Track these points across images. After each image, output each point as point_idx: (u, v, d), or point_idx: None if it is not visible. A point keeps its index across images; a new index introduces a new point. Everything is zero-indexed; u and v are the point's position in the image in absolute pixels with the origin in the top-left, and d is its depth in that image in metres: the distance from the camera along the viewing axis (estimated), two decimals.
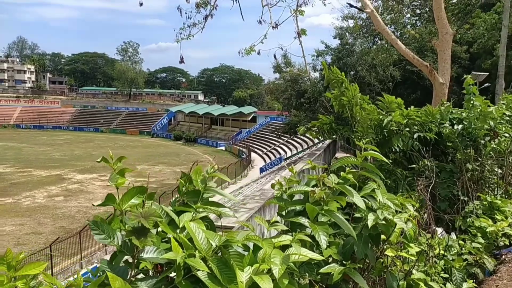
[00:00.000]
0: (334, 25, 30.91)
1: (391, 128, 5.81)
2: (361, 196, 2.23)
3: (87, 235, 22.80)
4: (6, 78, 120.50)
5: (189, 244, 1.58)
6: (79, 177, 42.42)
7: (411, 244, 2.62)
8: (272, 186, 2.54)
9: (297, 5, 10.28)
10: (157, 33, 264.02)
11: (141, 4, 11.22)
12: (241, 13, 10.73)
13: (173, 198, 2.05)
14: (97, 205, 1.86)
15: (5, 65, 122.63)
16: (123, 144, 72.06)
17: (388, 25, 23.80)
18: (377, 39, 30.99)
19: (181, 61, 11.73)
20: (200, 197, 1.90)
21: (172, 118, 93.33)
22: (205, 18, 10.77)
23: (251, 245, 1.73)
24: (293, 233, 1.92)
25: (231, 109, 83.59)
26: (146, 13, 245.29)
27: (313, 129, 8.03)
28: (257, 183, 32.40)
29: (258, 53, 10.65)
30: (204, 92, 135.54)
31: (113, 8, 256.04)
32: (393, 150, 5.89)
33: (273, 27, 10.34)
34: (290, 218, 2.17)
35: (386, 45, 27.38)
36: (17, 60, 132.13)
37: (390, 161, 5.59)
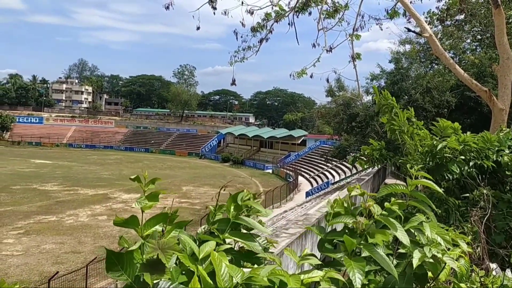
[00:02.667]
0: (391, 49, 30.38)
1: (445, 154, 5.53)
2: (408, 229, 1.99)
3: None
4: (64, 98, 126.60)
5: (207, 280, 1.41)
6: (124, 197, 42.62)
7: (462, 285, 2.34)
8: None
9: (353, 29, 10.40)
10: (214, 57, 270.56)
11: (198, 28, 11.43)
12: (297, 37, 10.97)
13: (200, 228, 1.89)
14: (115, 224, 1.65)
15: (64, 86, 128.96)
16: (171, 164, 72.87)
17: (447, 51, 22.93)
18: (434, 64, 30.01)
19: (233, 83, 12.01)
20: (229, 227, 1.77)
21: (222, 140, 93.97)
22: (260, 41, 11.09)
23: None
24: (328, 269, 1.75)
25: (280, 132, 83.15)
26: (205, 37, 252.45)
27: (362, 158, 7.77)
28: (302, 207, 31.50)
29: (311, 76, 10.85)
30: (256, 115, 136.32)
31: (173, 32, 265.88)
32: (446, 177, 5.61)
33: (327, 50, 10.54)
34: (326, 251, 1.97)
35: (443, 70, 26.46)
36: (76, 81, 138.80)
37: (442, 189, 5.16)
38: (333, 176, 52.46)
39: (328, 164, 56.17)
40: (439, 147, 5.50)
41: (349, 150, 32.28)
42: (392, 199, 2.13)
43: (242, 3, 10.62)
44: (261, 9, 10.82)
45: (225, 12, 10.58)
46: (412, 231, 2.06)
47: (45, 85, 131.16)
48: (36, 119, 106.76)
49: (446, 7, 17.87)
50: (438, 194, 4.91)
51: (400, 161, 6.46)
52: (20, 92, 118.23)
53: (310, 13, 11.26)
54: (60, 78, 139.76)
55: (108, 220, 33.82)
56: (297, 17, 10.95)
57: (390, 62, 30.41)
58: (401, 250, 2.09)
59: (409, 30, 12.61)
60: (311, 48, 10.62)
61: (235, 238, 1.74)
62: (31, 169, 58.88)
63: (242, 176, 62.37)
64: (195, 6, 11.18)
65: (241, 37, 11.00)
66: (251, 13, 10.81)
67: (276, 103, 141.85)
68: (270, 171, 68.60)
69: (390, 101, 6.24)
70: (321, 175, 56.61)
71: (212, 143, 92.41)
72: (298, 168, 63.24)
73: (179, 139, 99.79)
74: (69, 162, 69.86)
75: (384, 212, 2.02)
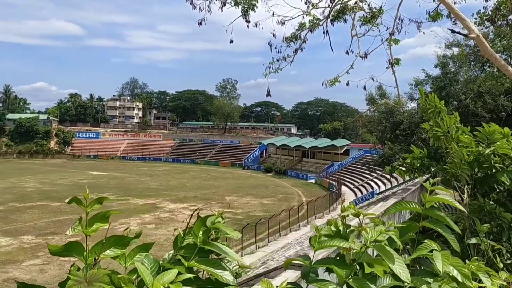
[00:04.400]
0: (436, 53, 28.93)
1: (493, 162, 4.79)
2: (416, 258, 1.70)
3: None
4: (117, 114, 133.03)
5: None
6: (171, 206, 44.38)
7: None
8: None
9: (391, 34, 9.88)
10: (256, 70, 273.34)
11: (231, 42, 11.38)
12: (331, 46, 10.57)
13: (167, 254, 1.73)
14: (51, 253, 1.48)
15: (117, 103, 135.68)
16: (214, 175, 74.28)
17: (500, 52, 22.19)
18: (486, 67, 28.73)
19: (268, 94, 11.88)
20: (195, 253, 1.60)
21: (264, 150, 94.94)
22: (295, 51, 10.89)
23: None
24: None
25: (323, 142, 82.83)
26: (246, 51, 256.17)
27: (402, 168, 8.04)
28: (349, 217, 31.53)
29: (347, 84, 10.37)
30: (298, 125, 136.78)
31: (217, 48, 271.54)
32: (497, 189, 5.37)
33: (361, 57, 10.04)
34: (313, 281, 1.66)
35: (497, 73, 25.24)
36: (128, 98, 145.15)
37: (492, 202, 4.51)
38: (378, 186, 51.13)
39: (373, 174, 55.11)
40: (486, 152, 4.69)
41: (393, 159, 31.25)
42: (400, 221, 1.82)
43: (273, 14, 10.45)
44: (292, 19, 10.53)
45: (256, 24, 10.45)
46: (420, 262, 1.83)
47: (101, 102, 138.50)
48: (93, 134, 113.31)
49: (495, 6, 16.47)
50: (489, 208, 4.13)
51: (443, 170, 5.68)
52: (79, 110, 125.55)
53: (346, 21, 10.71)
54: (114, 96, 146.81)
55: (155, 229, 35.55)
56: (333, 25, 10.59)
57: (436, 66, 29.07)
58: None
59: (453, 31, 11.49)
60: (349, 56, 10.02)
61: (202, 266, 1.56)
62: (88, 180, 62.01)
63: (284, 186, 62.60)
64: (234, 21, 10.82)
65: (275, 48, 10.78)
66: (282, 23, 10.60)
67: (318, 113, 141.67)
68: (313, 181, 68.26)
69: (437, 104, 5.53)
70: (366, 185, 55.36)
71: (255, 154, 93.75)
72: (342, 178, 62.39)
73: (222, 150, 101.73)
74: (122, 173, 72.99)
75: (381, 238, 1.71)
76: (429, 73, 29.76)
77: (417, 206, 1.98)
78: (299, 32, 10.88)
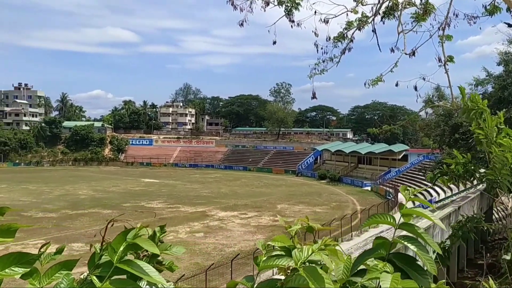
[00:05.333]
0: (498, 50, 26.95)
1: None
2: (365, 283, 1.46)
3: (216, 272, 22.69)
4: (170, 121, 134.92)
5: None
6: (221, 214, 43.56)
7: None
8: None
9: (443, 29, 9.34)
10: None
11: (274, 43, 11.05)
12: (378, 44, 10.13)
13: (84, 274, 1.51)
14: None
15: (170, 109, 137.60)
16: (267, 182, 73.19)
17: None
18: None
19: (313, 97, 11.50)
20: (110, 273, 1.38)
21: (318, 156, 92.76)
22: (343, 51, 10.48)
23: None
24: None
25: (379, 147, 79.76)
26: (302, 54, 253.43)
27: (444, 176, 6.82)
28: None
29: (396, 84, 9.99)
30: (354, 130, 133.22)
31: (271, 52, 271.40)
32: None
33: (409, 54, 9.54)
34: None
35: None
36: (181, 104, 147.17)
37: None
38: (438, 194, 49.00)
39: None
40: None
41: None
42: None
43: (315, 12, 10.12)
44: (336, 17, 10.19)
45: (298, 24, 10.18)
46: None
47: (154, 109, 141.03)
48: (146, 141, 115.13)
49: None
50: None
51: (484, 177, 5.66)
52: (133, 117, 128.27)
53: (395, 17, 10.42)
54: (167, 102, 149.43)
55: (204, 238, 34.80)
56: (383, 23, 10.19)
57: (498, 64, 26.94)
58: None
59: (509, 25, 11.61)
60: (406, 57, 9.74)
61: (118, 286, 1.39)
62: (140, 188, 63.01)
63: (338, 193, 60.77)
64: (277, 21, 11.18)
65: (321, 48, 10.46)
66: (326, 22, 10.25)
67: (375, 117, 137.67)
68: (369, 188, 65.86)
69: (480, 105, 5.63)
70: (424, 193, 53.11)
71: (309, 160, 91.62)
72: (399, 184, 60.17)
73: (275, 156, 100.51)
74: (174, 180, 73.58)
75: (316, 258, 1.56)
76: (490, 72, 27.95)
77: (391, 220, 1.68)
78: (346, 31, 10.43)
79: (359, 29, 10.17)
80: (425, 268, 1.56)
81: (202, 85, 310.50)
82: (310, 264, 1.50)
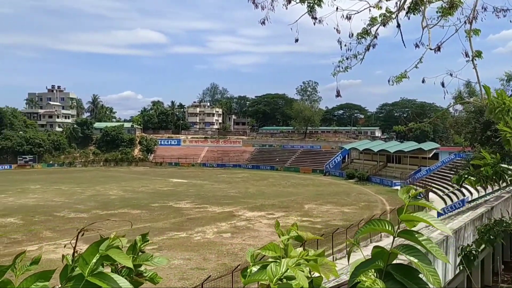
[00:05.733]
0: None
1: None
2: None
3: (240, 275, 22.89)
4: (197, 121, 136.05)
5: None
6: (248, 215, 43.55)
7: None
8: None
9: (470, 23, 8.80)
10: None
11: (296, 41, 10.71)
12: (403, 40, 9.64)
13: None
14: None
15: (198, 109, 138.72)
16: (294, 182, 72.82)
17: None
18: None
19: (338, 95, 11.07)
20: (81, 286, 1.30)
21: (346, 155, 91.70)
22: (367, 48, 10.15)
23: None
24: None
25: (409, 146, 78.21)
26: (329, 52, 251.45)
27: (471, 177, 6.58)
28: (429, 229, 28.81)
29: (423, 81, 9.58)
30: (382, 128, 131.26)
31: (298, 50, 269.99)
32: None
33: (435, 50, 9.12)
34: None
35: None
36: (208, 104, 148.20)
37: None
38: (471, 193, 47.80)
39: None
40: None
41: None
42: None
43: (337, 8, 9.92)
44: (358, 13, 9.91)
45: (319, 20, 9.89)
46: None
47: (181, 109, 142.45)
48: (174, 142, 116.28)
49: None
50: None
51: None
52: (161, 117, 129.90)
53: (420, 12, 9.95)
54: (194, 102, 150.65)
55: (231, 238, 34.88)
56: (408, 18, 9.81)
57: None
58: None
59: None
60: (434, 53, 9.30)
61: None
62: (168, 188, 63.66)
63: (367, 193, 59.88)
64: (300, 18, 11.12)
65: (345, 45, 10.20)
66: (349, 18, 10.06)
67: (404, 115, 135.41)
68: (398, 187, 64.91)
69: (506, 102, 5.38)
70: (456, 192, 51.84)
71: (336, 159, 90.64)
72: (430, 184, 58.48)
73: (303, 156, 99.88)
74: (201, 180, 74.05)
75: (291, 273, 1.45)
76: None
77: (389, 228, 1.55)
78: (370, 27, 10.11)
79: (384, 25, 9.90)
80: (427, 281, 1.44)
81: (229, 84, 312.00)
82: (287, 281, 1.41)
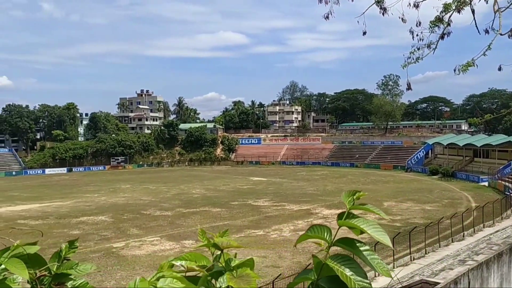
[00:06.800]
0: None
1: None
2: None
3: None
4: (277, 119, 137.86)
5: None
6: (325, 212, 43.63)
7: None
8: None
9: None
10: (423, 62, 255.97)
11: (364, 33, 11.18)
12: (476, 26, 9.02)
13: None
14: None
15: (277, 108, 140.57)
16: (374, 179, 71.46)
17: None
18: None
19: (408, 88, 11.44)
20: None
21: (429, 151, 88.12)
22: (441, 37, 9.65)
23: None
24: None
25: (497, 139, 73.37)
26: (411, 44, 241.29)
27: None
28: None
29: (499, 69, 9.31)
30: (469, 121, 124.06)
31: (380, 44, 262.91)
32: None
33: (508, 35, 8.61)
34: None
35: None
36: (287, 102, 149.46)
37: None
38: None
39: None
40: None
41: None
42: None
43: None
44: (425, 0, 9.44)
45: (384, 9, 9.32)
46: None
47: (261, 108, 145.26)
48: (255, 140, 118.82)
49: None
50: None
51: None
52: (242, 117, 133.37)
53: None
54: (273, 101, 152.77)
55: None
56: (486, 2, 8.91)
57: None
58: None
59: None
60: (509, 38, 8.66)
61: None
62: (248, 186, 65.25)
63: (451, 190, 57.15)
64: (367, 10, 10.76)
65: (417, 35, 9.62)
66: (416, 6, 9.41)
67: (493, 106, 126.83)
68: (486, 183, 61.09)
69: None
70: None
71: (419, 154, 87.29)
72: None
73: (383, 152, 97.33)
74: (280, 178, 74.96)
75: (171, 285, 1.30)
76: None
77: (326, 235, 1.43)
78: (443, 14, 9.42)
79: (459, 11, 9.24)
80: None
81: (309, 82, 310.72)
82: None
